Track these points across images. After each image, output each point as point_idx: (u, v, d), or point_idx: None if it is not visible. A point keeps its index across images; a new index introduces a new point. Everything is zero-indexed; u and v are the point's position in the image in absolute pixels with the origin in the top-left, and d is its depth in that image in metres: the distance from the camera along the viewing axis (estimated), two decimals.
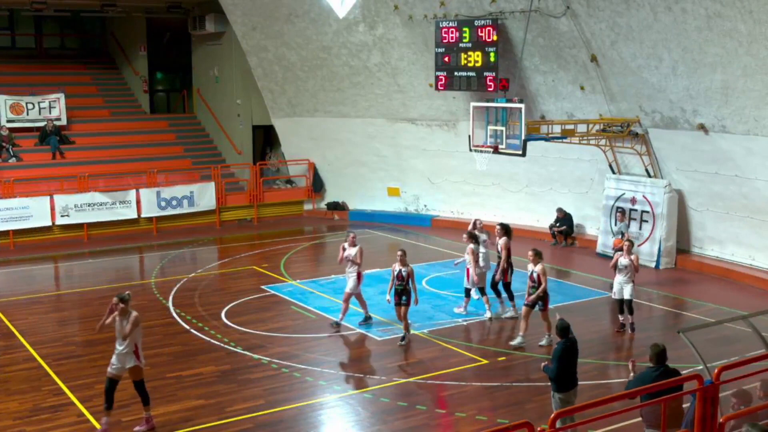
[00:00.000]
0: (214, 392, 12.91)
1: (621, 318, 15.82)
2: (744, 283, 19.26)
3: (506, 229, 16.81)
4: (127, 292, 11.71)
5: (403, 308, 14.86)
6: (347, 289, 15.73)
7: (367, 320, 16.10)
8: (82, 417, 11.95)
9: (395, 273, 14.84)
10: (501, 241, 16.54)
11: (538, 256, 14.61)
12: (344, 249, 15.80)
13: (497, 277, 16.60)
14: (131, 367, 11.43)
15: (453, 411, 12.20)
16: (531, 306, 14.68)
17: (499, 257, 16.57)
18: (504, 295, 16.82)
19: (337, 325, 15.81)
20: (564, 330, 10.43)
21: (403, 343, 14.91)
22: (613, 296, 16.02)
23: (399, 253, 14.90)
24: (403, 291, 14.77)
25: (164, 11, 30.89)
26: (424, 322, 16.24)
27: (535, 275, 14.56)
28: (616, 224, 19.68)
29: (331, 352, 14.77)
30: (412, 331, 15.27)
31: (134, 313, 11.55)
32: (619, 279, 15.66)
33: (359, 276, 15.72)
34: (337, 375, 13.68)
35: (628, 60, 19.80)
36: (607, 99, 21.20)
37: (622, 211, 20.54)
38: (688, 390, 7.78)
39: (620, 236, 19.07)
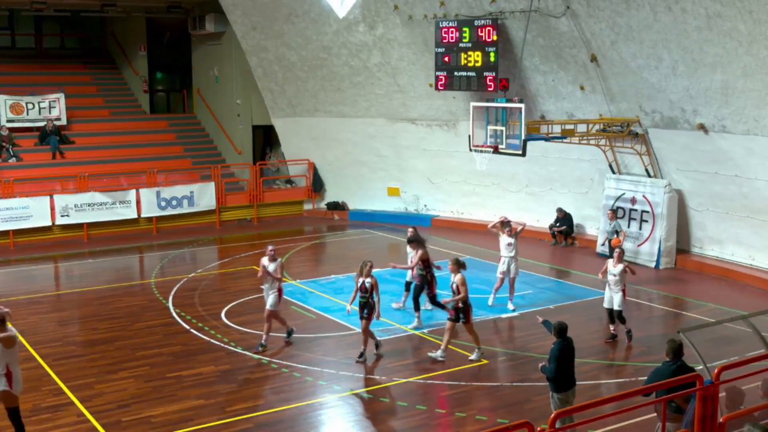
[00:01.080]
0: (214, 392, 12.90)
1: (612, 328, 15.22)
2: (744, 282, 19.27)
3: (419, 242, 16.13)
4: (6, 309, 11.03)
5: (364, 322, 14.04)
6: (268, 307, 14.65)
7: (290, 334, 15.23)
8: (82, 417, 11.95)
9: (359, 284, 14.03)
10: (417, 255, 15.88)
11: (456, 266, 14.18)
12: (264, 265, 14.77)
13: (431, 291, 16.07)
14: (1, 392, 10.58)
15: (453, 411, 12.20)
16: (454, 320, 14.06)
17: (423, 273, 15.91)
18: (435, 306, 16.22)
19: (263, 348, 14.62)
20: (562, 330, 10.45)
21: (361, 359, 14.09)
22: (603, 305, 15.35)
23: (368, 265, 14.08)
24: (365, 304, 13.95)
25: (164, 11, 30.91)
26: (425, 322, 16.23)
27: (454, 286, 14.06)
28: (609, 224, 19.58)
29: (331, 352, 14.76)
30: (412, 331, 15.22)
31: (10, 332, 10.70)
32: (609, 287, 15.03)
33: (281, 292, 14.90)
34: (337, 375, 13.66)
35: (628, 60, 19.80)
36: (607, 99, 21.19)
37: (614, 210, 20.39)
38: (689, 390, 7.78)
39: (616, 235, 18.94)
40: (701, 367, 8.59)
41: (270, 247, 15.10)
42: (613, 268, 14.94)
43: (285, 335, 15.22)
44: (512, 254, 16.90)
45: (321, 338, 15.49)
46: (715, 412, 7.43)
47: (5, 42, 34.09)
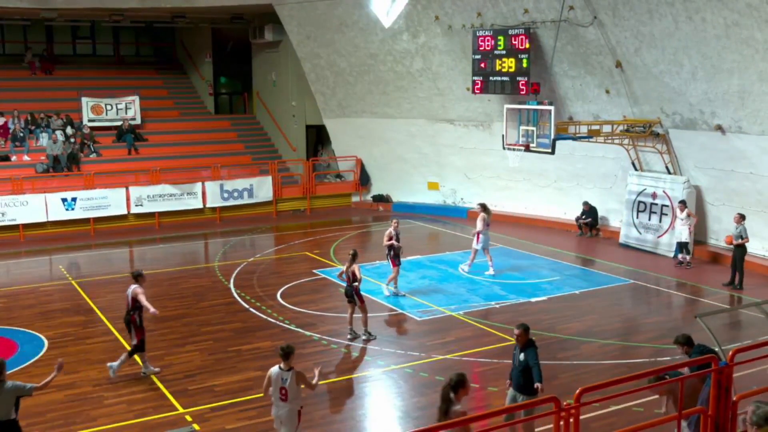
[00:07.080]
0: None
1: (680, 257, 19.28)
2: (757, 272, 18.85)
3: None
4: None
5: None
6: None
7: None
8: (154, 385, 12.14)
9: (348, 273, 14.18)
10: None
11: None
12: None
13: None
14: None
15: (485, 386, 12.15)
16: None
17: None
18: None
19: None
20: None
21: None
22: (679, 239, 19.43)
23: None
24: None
25: (228, 22, 31.14)
26: (460, 305, 16.18)
27: None
28: (736, 228, 18.16)
29: (375, 331, 14.75)
30: (450, 313, 15.13)
31: None
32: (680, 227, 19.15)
33: None
34: (381, 351, 13.68)
35: (651, 66, 19.47)
36: (630, 102, 20.87)
37: (741, 214, 17.85)
38: (705, 370, 7.64)
39: (740, 239, 17.67)
40: (717, 349, 8.42)
41: None
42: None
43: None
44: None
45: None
46: (729, 391, 7.29)
47: (87, 50, 34.66)
